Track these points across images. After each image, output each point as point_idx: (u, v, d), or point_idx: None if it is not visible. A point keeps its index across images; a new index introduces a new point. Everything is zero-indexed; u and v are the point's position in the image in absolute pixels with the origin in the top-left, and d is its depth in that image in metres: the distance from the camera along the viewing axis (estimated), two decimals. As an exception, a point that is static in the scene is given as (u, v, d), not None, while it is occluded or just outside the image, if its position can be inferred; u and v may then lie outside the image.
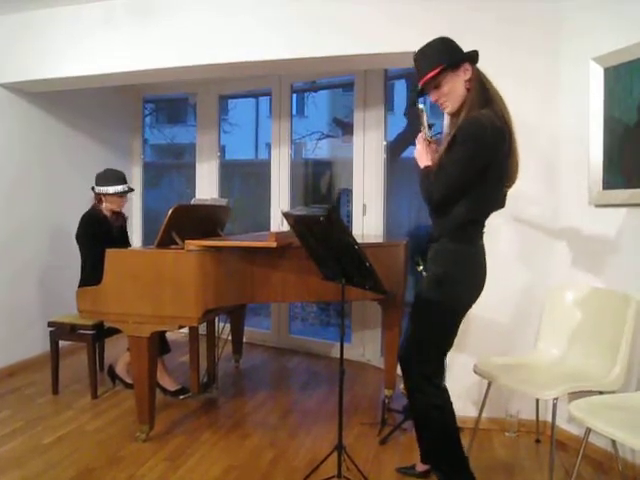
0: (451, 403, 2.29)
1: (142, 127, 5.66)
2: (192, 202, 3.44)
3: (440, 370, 2.32)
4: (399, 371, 3.50)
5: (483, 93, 2.15)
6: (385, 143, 4.25)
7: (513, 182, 2.24)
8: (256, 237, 3.35)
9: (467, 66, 2.15)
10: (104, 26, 3.60)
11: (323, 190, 6.23)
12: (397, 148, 5.56)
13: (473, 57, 2.18)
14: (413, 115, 5.68)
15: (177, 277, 2.76)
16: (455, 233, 2.18)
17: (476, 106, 2.11)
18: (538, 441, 3.01)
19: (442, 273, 2.19)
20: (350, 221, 4.46)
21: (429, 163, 2.18)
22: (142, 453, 2.83)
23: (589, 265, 2.86)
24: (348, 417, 3.22)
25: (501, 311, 3.06)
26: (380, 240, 3.97)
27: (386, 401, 3.43)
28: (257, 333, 5.04)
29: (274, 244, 2.68)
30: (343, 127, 5.80)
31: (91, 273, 3.21)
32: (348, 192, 4.70)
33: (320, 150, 6.31)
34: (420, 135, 2.25)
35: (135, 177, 5.55)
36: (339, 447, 2.43)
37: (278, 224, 4.76)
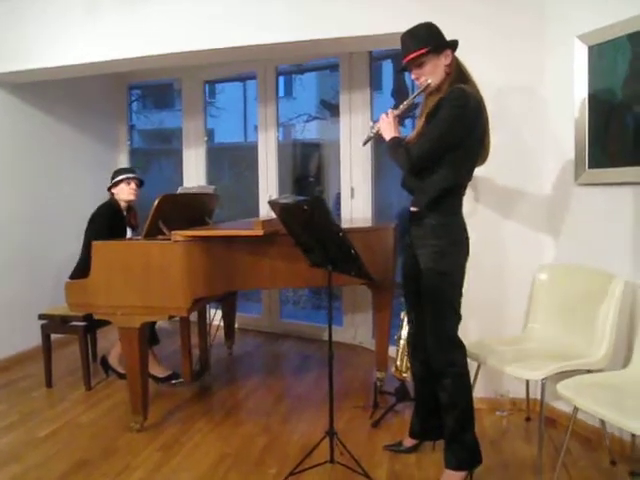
0: None
1: (127, 114, 5.59)
2: (179, 191, 3.43)
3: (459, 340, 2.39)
4: (391, 353, 3.59)
5: (461, 76, 2.34)
6: (372, 124, 4.21)
7: (485, 160, 2.41)
8: (244, 225, 3.35)
9: (448, 52, 2.33)
10: (87, 14, 3.54)
11: (312, 172, 6.21)
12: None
13: (454, 45, 2.38)
14: (401, 94, 5.65)
15: (165, 268, 2.76)
16: (438, 206, 2.30)
17: (455, 84, 2.28)
18: (528, 419, 3.05)
19: (444, 245, 2.30)
20: (339, 207, 4.47)
21: (397, 134, 2.34)
22: (136, 443, 2.85)
23: (576, 245, 2.87)
24: (340, 401, 3.25)
25: (489, 292, 3.08)
26: (369, 223, 3.99)
27: (378, 384, 3.46)
28: (248, 318, 5.05)
29: (261, 232, 2.67)
30: (330, 109, 5.76)
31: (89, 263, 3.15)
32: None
33: (309, 132, 6.27)
34: (391, 109, 2.42)
35: (122, 165, 5.50)
36: (330, 433, 2.45)
37: (267, 209, 4.74)
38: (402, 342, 3.11)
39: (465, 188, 2.38)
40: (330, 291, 2.39)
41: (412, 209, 2.40)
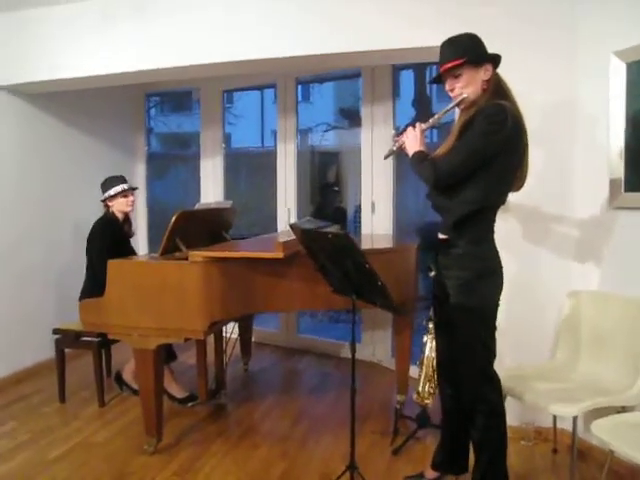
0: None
1: (145, 123, 5.55)
2: (196, 207, 3.35)
3: (492, 372, 2.26)
4: (412, 373, 3.48)
5: (500, 93, 2.17)
6: (395, 137, 4.12)
7: (520, 186, 2.25)
8: (263, 243, 3.26)
9: (488, 67, 2.18)
10: (103, 25, 3.49)
11: (331, 181, 6.13)
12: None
13: (496, 60, 2.22)
14: (422, 105, 5.54)
15: (181, 289, 2.68)
16: (466, 231, 2.16)
17: (492, 100, 2.13)
18: (555, 451, 2.92)
19: (472, 277, 2.16)
20: (358, 219, 4.38)
21: (422, 149, 2.20)
22: (150, 467, 2.78)
23: (609, 271, 2.75)
24: (359, 424, 3.14)
25: (515, 318, 2.95)
26: (390, 240, 3.88)
27: (398, 407, 3.36)
28: (265, 332, 4.96)
29: (281, 255, 2.58)
30: (350, 117, 5.67)
31: (98, 282, 3.05)
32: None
33: (327, 141, 6.19)
34: (419, 123, 2.27)
35: (139, 172, 5.47)
36: (352, 467, 2.35)
37: (285, 221, 4.66)
38: (424, 367, 3.00)
39: (496, 213, 2.23)
40: (353, 324, 2.29)
41: (440, 236, 2.28)
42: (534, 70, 2.83)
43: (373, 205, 4.22)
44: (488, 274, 2.18)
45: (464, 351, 2.24)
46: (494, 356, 2.26)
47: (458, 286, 2.18)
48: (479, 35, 2.21)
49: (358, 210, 4.65)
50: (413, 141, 2.22)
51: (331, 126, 6.03)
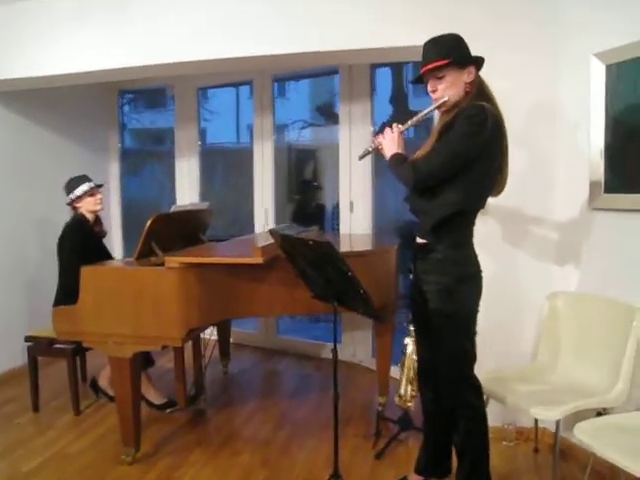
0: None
1: (118, 119, 5.42)
2: (172, 209, 3.27)
3: (473, 377, 2.25)
4: (392, 373, 3.46)
5: (481, 95, 2.14)
6: (372, 138, 4.09)
7: (501, 190, 2.23)
8: (241, 246, 3.20)
9: (472, 69, 2.15)
10: (76, 23, 3.38)
11: (307, 177, 6.07)
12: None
13: (479, 62, 2.19)
14: (400, 102, 5.52)
15: (158, 296, 2.61)
16: (445, 235, 2.13)
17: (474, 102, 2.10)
18: (537, 450, 2.93)
19: (451, 282, 2.13)
20: (336, 218, 4.34)
21: (399, 151, 2.15)
22: (128, 478, 2.70)
23: (589, 273, 2.75)
24: (341, 427, 3.04)
25: (495, 320, 2.94)
26: (369, 240, 3.86)
27: (379, 409, 3.34)
28: (244, 333, 4.89)
29: (260, 260, 2.53)
30: (327, 114, 5.62)
31: (72, 288, 2.90)
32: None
33: (303, 138, 6.12)
34: (396, 125, 2.21)
35: (113, 170, 5.35)
36: (335, 477, 2.31)
37: (262, 222, 4.60)
38: (406, 370, 2.98)
39: (475, 217, 2.20)
40: (335, 333, 2.25)
41: (418, 241, 2.24)
42: (516, 69, 2.81)
43: (352, 204, 4.18)
44: (468, 279, 2.16)
45: (444, 356, 2.22)
46: (474, 360, 2.24)
47: (437, 291, 2.15)
48: (460, 33, 2.18)
49: (336, 208, 4.62)
50: (391, 143, 2.18)
51: (308, 123, 5.96)
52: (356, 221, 4.17)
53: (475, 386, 2.24)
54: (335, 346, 2.29)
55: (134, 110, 10.33)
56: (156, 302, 2.61)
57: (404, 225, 4.39)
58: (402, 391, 3.00)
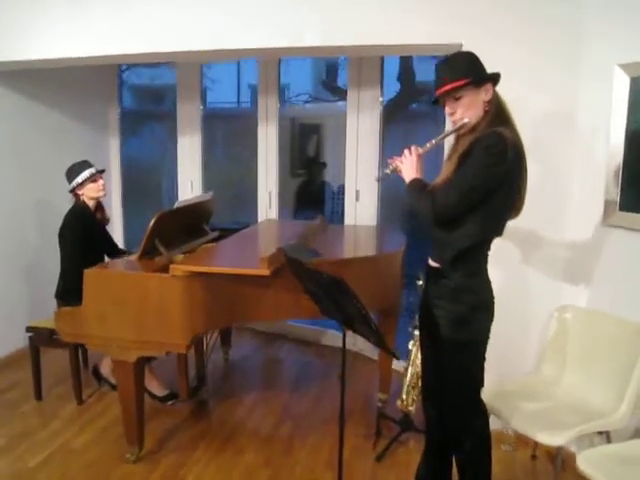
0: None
1: (118, 95, 5.24)
2: (175, 205, 3.21)
3: (479, 401, 2.26)
4: (394, 365, 3.47)
5: (500, 115, 2.07)
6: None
7: (517, 214, 2.18)
8: (247, 246, 3.16)
9: (489, 86, 2.06)
10: (76, 6, 3.22)
11: (311, 153, 5.96)
12: (390, 115, 5.27)
13: (496, 79, 2.09)
14: (407, 79, 5.36)
15: (162, 303, 2.57)
16: (461, 264, 2.08)
17: (493, 126, 2.01)
18: (534, 457, 2.97)
19: (465, 311, 2.10)
20: (338, 201, 4.28)
21: (419, 176, 2.10)
22: (133, 476, 2.74)
23: (599, 290, 2.72)
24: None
25: (500, 333, 2.92)
26: (373, 232, 3.82)
27: (380, 405, 3.37)
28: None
29: (267, 272, 2.49)
30: (333, 91, 5.47)
31: (74, 279, 2.85)
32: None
33: (307, 112, 5.98)
34: (415, 147, 2.15)
35: (112, 144, 5.22)
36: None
37: (265, 206, 4.53)
38: (409, 375, 2.99)
39: (491, 245, 2.15)
40: (344, 355, 2.23)
41: (431, 264, 2.20)
42: (534, 75, 2.71)
43: (357, 193, 4.11)
44: (482, 308, 2.13)
45: (451, 382, 2.20)
46: (482, 386, 2.24)
47: (450, 320, 2.12)
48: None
49: (340, 188, 4.54)
50: (409, 167, 2.11)
51: (312, 97, 5.81)
52: (361, 210, 4.10)
53: (481, 411, 2.25)
54: (343, 377, 2.25)
55: (133, 66, 10.03)
56: (160, 309, 2.58)
57: (408, 215, 4.34)
58: (404, 395, 3.01)
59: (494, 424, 3.00)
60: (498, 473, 2.80)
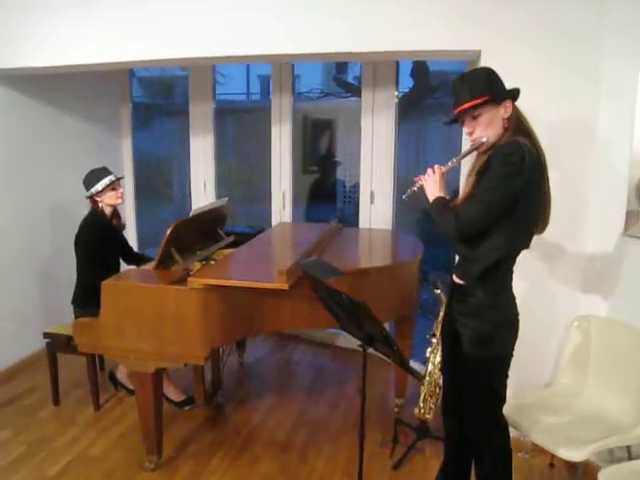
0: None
1: (130, 94, 5.20)
2: (191, 214, 3.19)
3: (501, 417, 2.24)
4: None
5: (520, 128, 2.03)
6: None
7: (544, 227, 2.14)
8: (263, 255, 3.14)
9: (508, 103, 2.02)
10: (87, 13, 3.19)
11: (324, 150, 5.91)
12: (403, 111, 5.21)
13: (516, 95, 2.04)
14: (421, 76, 5.28)
15: (180, 315, 2.57)
16: (487, 280, 2.06)
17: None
18: (552, 465, 2.96)
19: (489, 329, 2.08)
20: (353, 201, 4.24)
21: (442, 194, 2.08)
22: (152, 485, 2.77)
23: (619, 300, 2.69)
24: (357, 430, 3.15)
25: (519, 343, 2.91)
26: (388, 236, 3.79)
27: (396, 410, 3.37)
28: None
29: (285, 286, 2.47)
30: (346, 88, 5.41)
31: (90, 285, 2.87)
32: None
33: (319, 107, 5.91)
34: (438, 166, 2.13)
35: (125, 146, 5.20)
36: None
37: (279, 207, 4.51)
38: (427, 384, 2.98)
39: (516, 260, 2.13)
40: (364, 377, 2.21)
41: (456, 280, 2.18)
42: (554, 83, 2.66)
43: (372, 195, 4.08)
44: (506, 325, 2.11)
45: (473, 398, 2.20)
46: (504, 402, 2.23)
47: (474, 337, 2.11)
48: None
49: (353, 190, 4.50)
50: (432, 186, 2.09)
51: (324, 92, 5.74)
52: (376, 213, 4.07)
53: (502, 427, 2.24)
54: (363, 403, 2.24)
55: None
56: (178, 321, 2.58)
57: (424, 218, 4.31)
58: (422, 403, 3.00)
59: (511, 432, 3.02)
60: (516, 482, 2.81)
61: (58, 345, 3.43)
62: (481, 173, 2.02)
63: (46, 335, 3.46)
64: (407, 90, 5.44)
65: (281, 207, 4.48)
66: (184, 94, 4.98)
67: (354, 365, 3.98)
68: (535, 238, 2.77)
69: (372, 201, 4.07)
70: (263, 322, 2.76)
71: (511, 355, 2.16)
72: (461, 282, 2.15)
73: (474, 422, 2.23)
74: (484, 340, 2.09)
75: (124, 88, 5.10)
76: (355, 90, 4.78)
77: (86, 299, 3.17)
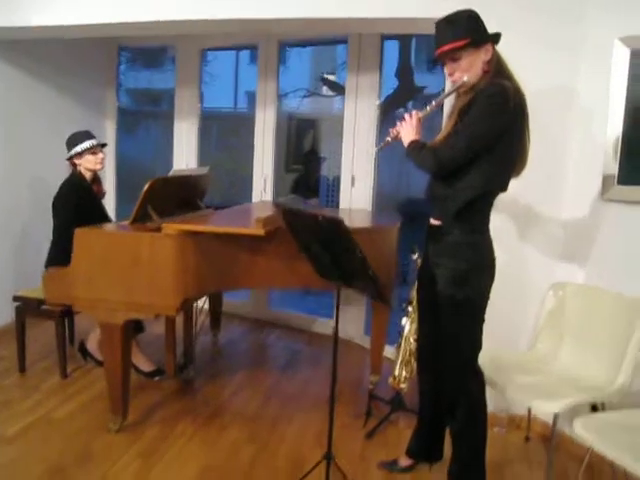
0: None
1: (116, 77, 5.21)
2: (170, 173, 3.16)
3: (477, 365, 2.20)
4: (386, 353, 3.42)
5: (501, 72, 2.05)
6: (377, 112, 3.99)
7: (521, 170, 2.14)
8: (240, 216, 3.12)
9: (489, 47, 2.05)
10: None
11: (308, 148, 5.96)
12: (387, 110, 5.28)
13: (496, 39, 2.08)
14: (405, 76, 5.38)
15: (154, 262, 2.52)
16: (464, 220, 2.05)
17: (494, 81, 2.00)
18: (528, 439, 2.91)
19: (466, 268, 2.07)
20: (333, 191, 4.25)
21: (418, 138, 2.08)
22: (114, 447, 2.65)
23: (597, 265, 2.69)
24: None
25: (496, 306, 2.89)
26: (368, 215, 3.78)
27: (371, 387, 3.31)
28: (234, 303, 4.80)
29: (262, 232, 2.45)
30: (331, 86, 5.48)
31: (65, 248, 2.78)
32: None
33: (304, 107, 5.99)
34: (416, 111, 2.14)
35: (108, 129, 5.16)
36: (328, 457, 2.26)
37: (260, 189, 4.50)
38: (402, 351, 2.93)
39: (493, 201, 2.13)
40: (337, 312, 2.18)
41: (432, 222, 2.17)
42: (532, 55, 2.68)
43: (353, 179, 4.08)
44: (483, 266, 2.10)
45: (449, 343, 2.17)
46: (480, 349, 2.20)
47: (450, 277, 2.09)
48: (476, 9, 2.06)
49: (335, 180, 4.51)
50: (409, 130, 2.10)
51: (310, 92, 5.82)
52: (357, 196, 4.07)
53: (478, 375, 2.20)
54: (337, 329, 2.22)
55: (131, 69, 10.06)
56: (151, 269, 2.53)
57: (406, 202, 4.33)
58: (396, 372, 2.95)
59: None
60: (491, 455, 2.70)
61: (28, 309, 3.33)
62: (464, 112, 2.03)
63: (16, 298, 3.36)
64: (391, 91, 5.55)
65: (262, 190, 4.47)
66: (171, 102, 4.98)
67: (329, 350, 3.90)
68: (515, 204, 2.80)
69: (353, 184, 4.07)
70: (238, 277, 2.72)
71: (487, 299, 2.14)
72: (438, 222, 2.14)
73: (450, 369, 2.19)
74: (460, 280, 2.07)
75: (111, 69, 5.11)
76: (341, 89, 4.83)
77: (60, 260, 3.08)
